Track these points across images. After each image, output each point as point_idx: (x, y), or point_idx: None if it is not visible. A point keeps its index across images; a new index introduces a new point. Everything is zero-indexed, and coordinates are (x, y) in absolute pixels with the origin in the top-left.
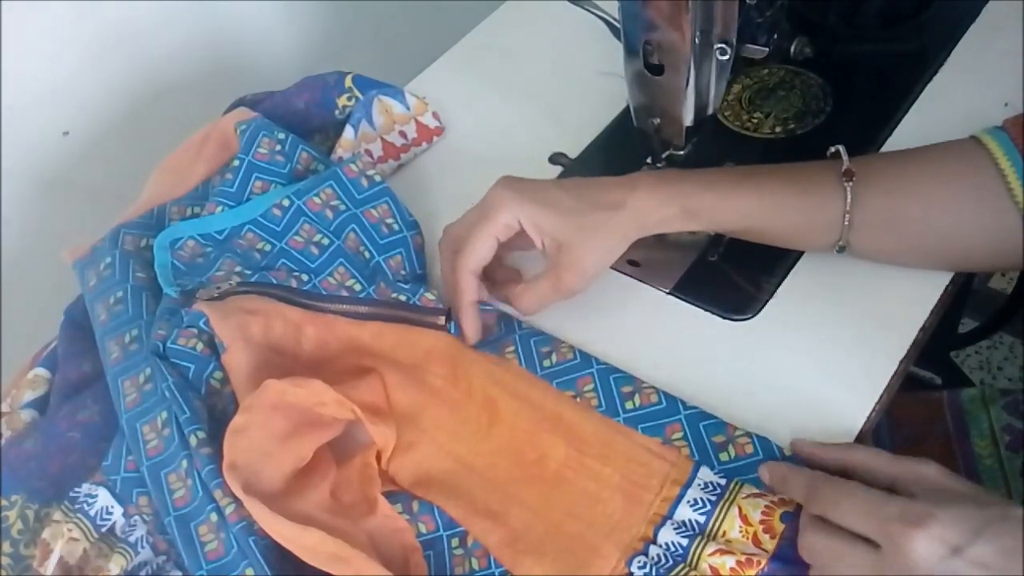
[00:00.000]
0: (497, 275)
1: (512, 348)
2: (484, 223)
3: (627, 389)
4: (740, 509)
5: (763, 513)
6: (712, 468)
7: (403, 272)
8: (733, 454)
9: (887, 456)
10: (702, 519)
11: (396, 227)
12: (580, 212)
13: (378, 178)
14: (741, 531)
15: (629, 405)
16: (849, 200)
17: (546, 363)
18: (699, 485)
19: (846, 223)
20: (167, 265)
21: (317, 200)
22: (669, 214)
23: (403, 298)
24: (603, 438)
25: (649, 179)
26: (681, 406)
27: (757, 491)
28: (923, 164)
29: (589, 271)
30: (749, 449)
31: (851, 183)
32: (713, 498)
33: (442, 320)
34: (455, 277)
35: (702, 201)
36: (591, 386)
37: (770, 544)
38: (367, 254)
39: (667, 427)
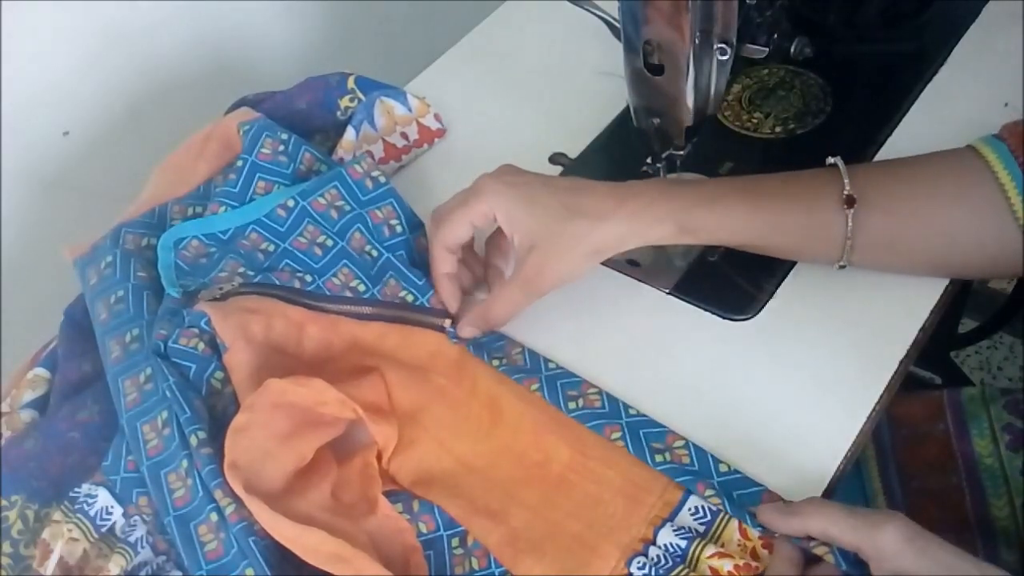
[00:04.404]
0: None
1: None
2: (463, 207)
3: (572, 392)
4: (740, 523)
5: (762, 530)
6: None
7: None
8: (668, 458)
9: (847, 522)
10: (701, 528)
11: (399, 228)
12: (560, 218)
13: (383, 179)
14: (740, 544)
15: (572, 405)
16: (850, 226)
17: (495, 363)
18: (701, 493)
19: (847, 247)
20: (170, 265)
21: (322, 201)
22: (665, 233)
23: (410, 298)
24: (606, 441)
25: (645, 195)
26: (624, 411)
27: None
28: (923, 183)
29: (558, 278)
30: (686, 460)
31: (852, 211)
32: (714, 508)
33: (446, 323)
34: (430, 253)
35: (702, 220)
36: (536, 385)
37: (769, 559)
38: (374, 253)
39: (606, 427)
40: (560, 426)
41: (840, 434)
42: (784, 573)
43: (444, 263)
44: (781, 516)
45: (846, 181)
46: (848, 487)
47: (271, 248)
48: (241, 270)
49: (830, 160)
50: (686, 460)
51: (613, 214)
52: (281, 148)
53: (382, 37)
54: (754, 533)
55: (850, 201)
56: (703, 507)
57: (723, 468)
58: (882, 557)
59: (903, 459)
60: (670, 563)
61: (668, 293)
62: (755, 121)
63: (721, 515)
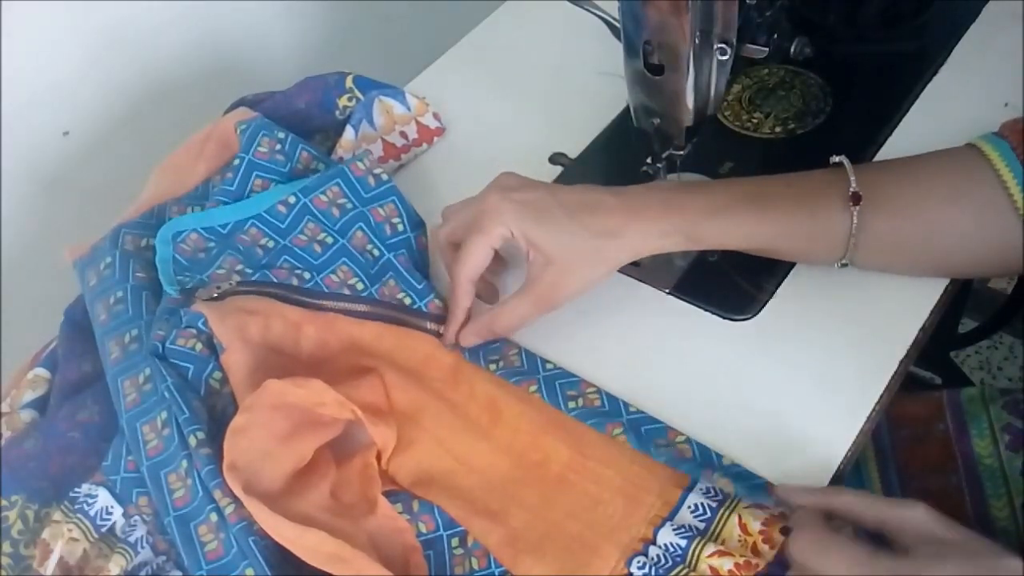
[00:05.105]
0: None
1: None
2: (480, 235)
3: (571, 392)
4: (740, 518)
5: (763, 524)
6: None
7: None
8: (671, 452)
9: (871, 499)
10: (701, 525)
11: (401, 227)
12: (575, 234)
13: (385, 176)
14: (740, 540)
15: (572, 405)
16: (855, 224)
17: (492, 367)
18: (700, 490)
19: (851, 246)
20: (168, 260)
21: (323, 198)
22: (673, 244)
23: (408, 301)
24: (605, 440)
25: (653, 208)
26: (624, 409)
27: (757, 503)
28: (926, 183)
29: (572, 294)
30: (688, 454)
31: (858, 208)
32: (714, 504)
33: (442, 328)
34: (453, 285)
35: (708, 231)
36: (535, 387)
37: (769, 554)
38: (376, 252)
39: (608, 424)
40: (559, 427)
41: (840, 434)
42: (810, 523)
43: (468, 296)
44: (802, 491)
45: (852, 179)
46: (848, 487)
47: (270, 244)
48: (239, 267)
49: (834, 159)
50: (688, 455)
51: (624, 230)
52: (278, 147)
53: (382, 37)
54: (754, 528)
55: (856, 198)
56: (703, 504)
57: (725, 462)
58: (904, 531)
59: (903, 459)
60: (670, 563)
61: (668, 293)
62: (755, 121)
63: (721, 511)
